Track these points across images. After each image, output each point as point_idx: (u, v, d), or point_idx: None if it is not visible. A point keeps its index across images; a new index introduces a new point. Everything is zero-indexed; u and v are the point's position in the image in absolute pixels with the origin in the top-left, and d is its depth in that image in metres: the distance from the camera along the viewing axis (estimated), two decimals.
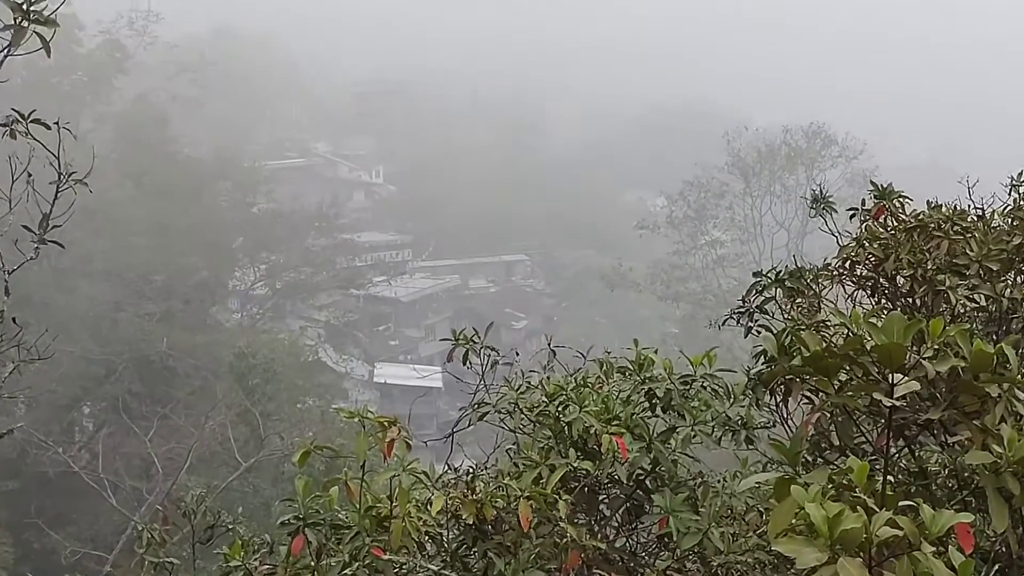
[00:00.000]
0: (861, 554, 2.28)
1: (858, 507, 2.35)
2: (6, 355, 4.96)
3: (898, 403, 2.73)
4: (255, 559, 4.19)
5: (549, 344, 5.14)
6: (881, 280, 4.70)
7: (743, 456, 4.44)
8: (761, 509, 4.22)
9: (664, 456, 4.34)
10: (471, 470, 4.38)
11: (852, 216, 5.28)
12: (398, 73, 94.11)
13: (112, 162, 36.03)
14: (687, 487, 4.37)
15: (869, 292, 4.80)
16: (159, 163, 38.02)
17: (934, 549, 2.33)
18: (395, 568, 3.93)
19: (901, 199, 5.10)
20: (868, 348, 2.87)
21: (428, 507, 4.01)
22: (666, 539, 4.35)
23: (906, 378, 2.74)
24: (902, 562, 2.32)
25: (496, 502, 4.01)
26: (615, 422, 4.30)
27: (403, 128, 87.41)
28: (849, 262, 4.85)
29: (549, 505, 4.03)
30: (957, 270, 4.42)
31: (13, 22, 4.14)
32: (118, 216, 33.21)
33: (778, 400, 3.74)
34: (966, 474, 3.46)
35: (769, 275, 4.93)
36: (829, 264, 5.00)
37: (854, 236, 4.96)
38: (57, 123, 4.43)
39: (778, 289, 4.88)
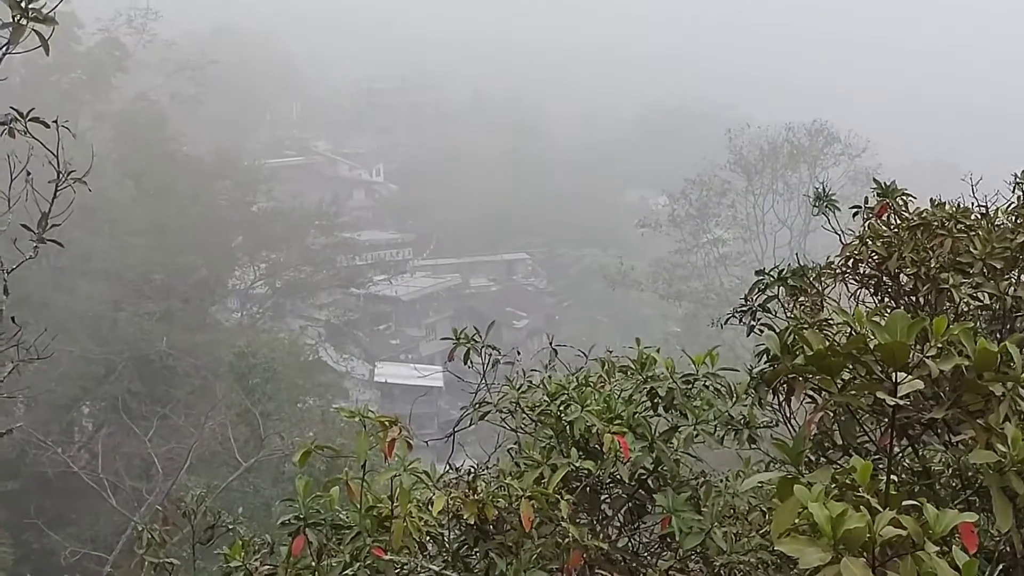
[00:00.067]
0: (864, 554, 2.27)
1: (861, 507, 2.34)
2: (5, 354, 4.95)
3: (901, 402, 2.73)
4: (255, 559, 4.18)
5: (550, 343, 5.13)
6: (884, 278, 4.69)
7: (746, 456, 4.42)
8: (764, 509, 4.21)
9: (666, 456, 4.33)
10: (472, 470, 4.37)
11: (855, 214, 5.26)
12: (398, 72, 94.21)
13: (111, 161, 36.05)
14: (689, 487, 4.35)
15: (872, 290, 4.78)
16: (158, 162, 38.03)
17: (938, 549, 2.33)
18: (396, 568, 3.92)
19: (904, 197, 5.08)
20: (871, 347, 2.86)
21: (429, 507, 4.00)
22: (668, 539, 4.34)
23: (910, 377, 2.74)
24: (906, 562, 2.32)
25: (498, 502, 4.00)
26: (617, 421, 4.29)
27: (404, 126, 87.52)
28: (852, 260, 4.84)
29: (551, 505, 4.02)
30: (961, 268, 4.41)
31: (12, 20, 4.13)
32: (117, 215, 33.22)
33: (781, 399, 3.73)
34: (970, 473, 3.46)
35: (772, 273, 4.92)
36: (832, 262, 4.98)
37: (857, 234, 4.95)
38: (56, 121, 4.42)
39: (781, 287, 4.86)
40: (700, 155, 47.49)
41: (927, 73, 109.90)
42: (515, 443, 4.61)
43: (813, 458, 3.80)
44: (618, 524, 4.62)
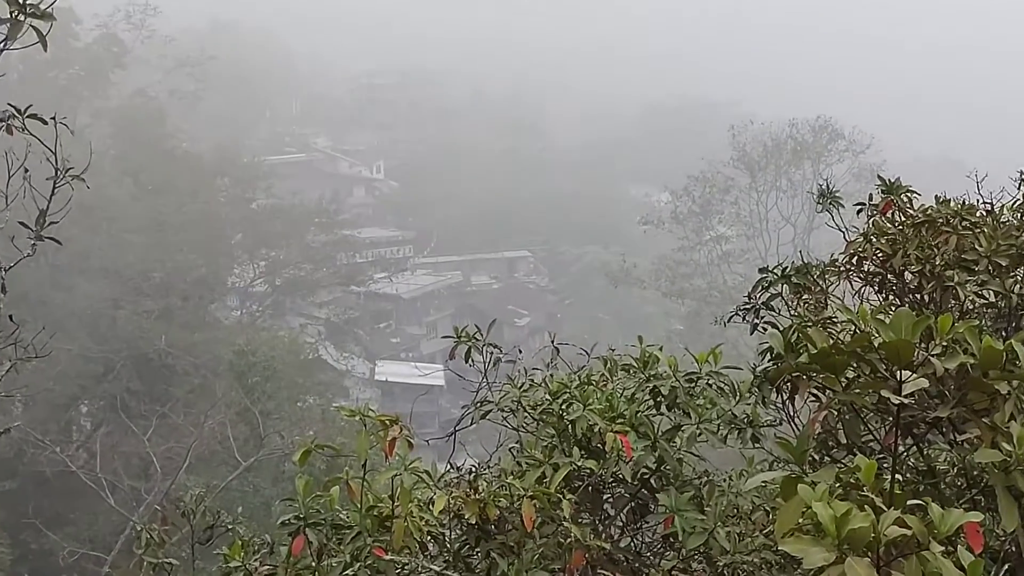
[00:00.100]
0: (869, 554, 2.26)
1: (866, 506, 2.34)
2: (3, 353, 4.93)
3: (906, 401, 2.72)
4: (255, 559, 4.17)
5: (552, 341, 5.12)
6: (889, 276, 4.67)
7: (749, 455, 4.41)
8: (767, 508, 4.20)
9: (669, 455, 4.32)
10: (474, 469, 4.36)
11: (859, 211, 5.24)
12: (398, 69, 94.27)
13: (110, 158, 36.04)
14: (692, 486, 4.35)
15: (876, 288, 4.77)
16: (157, 159, 38.01)
17: (943, 549, 2.32)
18: (397, 568, 3.90)
19: (909, 194, 5.07)
20: (876, 345, 2.85)
21: (430, 507, 4.00)
22: (671, 539, 4.33)
23: (914, 375, 2.73)
24: (910, 562, 2.31)
25: (499, 501, 3.99)
26: (619, 420, 4.28)
27: (404, 123, 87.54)
28: (856, 258, 4.83)
29: (553, 504, 4.01)
30: (966, 266, 4.40)
31: (9, 16, 4.10)
32: (116, 212, 33.20)
33: (784, 398, 3.73)
34: (975, 472, 3.45)
35: (775, 271, 4.91)
36: (836, 260, 4.97)
37: (861, 231, 4.94)
38: (54, 118, 4.39)
39: (784, 285, 4.85)
40: (701, 153, 47.36)
41: (927, 73, 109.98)
42: (517, 442, 4.60)
43: (817, 457, 3.79)
44: (620, 524, 4.61)
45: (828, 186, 5.60)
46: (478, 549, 4.14)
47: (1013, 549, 3.25)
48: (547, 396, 4.57)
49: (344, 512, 4.07)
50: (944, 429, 3.49)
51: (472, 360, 4.89)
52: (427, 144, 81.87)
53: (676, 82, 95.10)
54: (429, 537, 4.07)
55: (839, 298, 4.71)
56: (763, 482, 3.38)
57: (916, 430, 3.55)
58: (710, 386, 4.43)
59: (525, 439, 4.54)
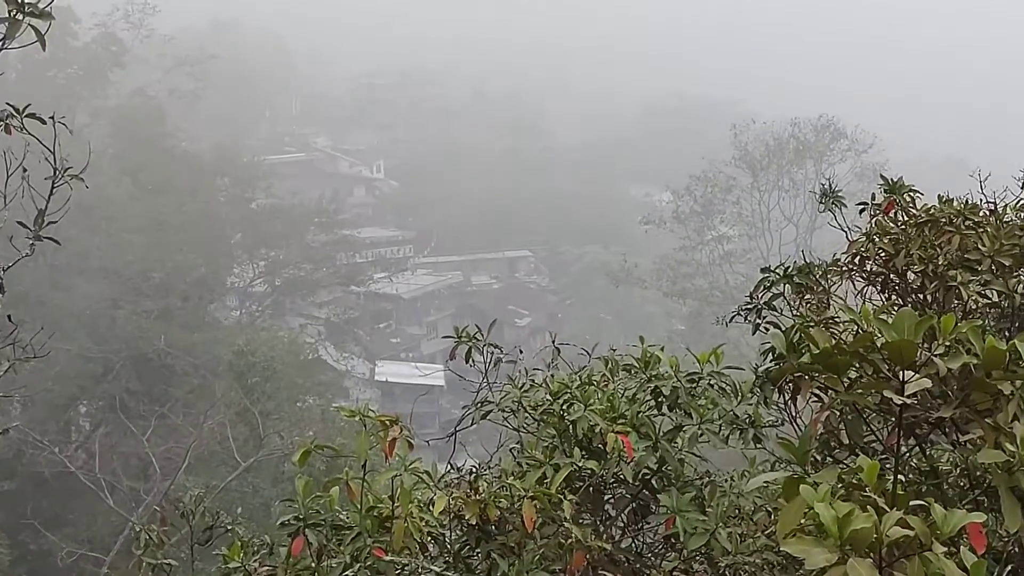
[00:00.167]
0: (871, 554, 2.26)
1: (868, 507, 2.33)
2: (1, 353, 4.92)
3: (909, 401, 2.71)
4: (255, 560, 4.16)
5: (553, 341, 5.11)
6: (891, 276, 4.66)
7: (751, 455, 4.41)
8: (769, 509, 4.19)
9: (670, 455, 4.31)
10: (474, 470, 4.34)
11: (862, 211, 5.23)
12: (398, 68, 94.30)
13: (108, 157, 36.03)
14: (694, 487, 4.34)
15: (879, 288, 4.76)
16: (156, 158, 37.97)
17: (946, 549, 2.31)
18: (397, 569, 3.89)
19: (912, 193, 5.05)
20: (878, 345, 2.84)
21: (430, 507, 3.99)
22: (672, 539, 4.32)
23: (917, 375, 2.72)
24: (913, 563, 2.30)
25: (500, 502, 3.98)
26: (620, 421, 4.27)
27: (404, 123, 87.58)
28: (859, 257, 4.82)
29: (553, 505, 4.00)
30: (969, 265, 4.39)
31: (8, 15, 4.08)
32: (115, 212, 33.18)
33: (787, 398, 3.72)
34: (978, 473, 3.45)
35: (777, 271, 4.90)
36: (838, 259, 4.96)
37: (864, 231, 4.92)
38: (52, 117, 4.38)
39: (786, 285, 4.84)
40: (702, 153, 47.26)
41: (927, 73, 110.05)
42: (517, 442, 4.58)
43: (819, 458, 3.78)
44: (622, 524, 4.60)
45: (830, 185, 5.59)
46: (478, 550, 4.13)
47: (1016, 550, 3.25)
48: (548, 396, 4.56)
49: (344, 513, 4.06)
50: (947, 429, 3.48)
51: (473, 360, 4.88)
52: (427, 144, 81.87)
53: (676, 82, 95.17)
54: (429, 538, 4.06)
55: (841, 298, 4.70)
56: (765, 483, 3.37)
57: (919, 430, 3.54)
58: (712, 386, 4.42)
59: (526, 439, 4.53)
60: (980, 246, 4.41)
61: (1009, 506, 2.75)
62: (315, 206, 48.82)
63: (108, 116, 40.59)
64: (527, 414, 4.59)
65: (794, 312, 4.71)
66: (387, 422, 4.00)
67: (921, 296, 4.58)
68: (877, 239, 4.71)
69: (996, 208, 4.78)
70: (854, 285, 4.88)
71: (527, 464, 4.24)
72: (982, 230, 4.47)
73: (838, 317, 3.66)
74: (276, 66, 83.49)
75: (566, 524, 3.97)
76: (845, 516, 2.25)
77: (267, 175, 47.88)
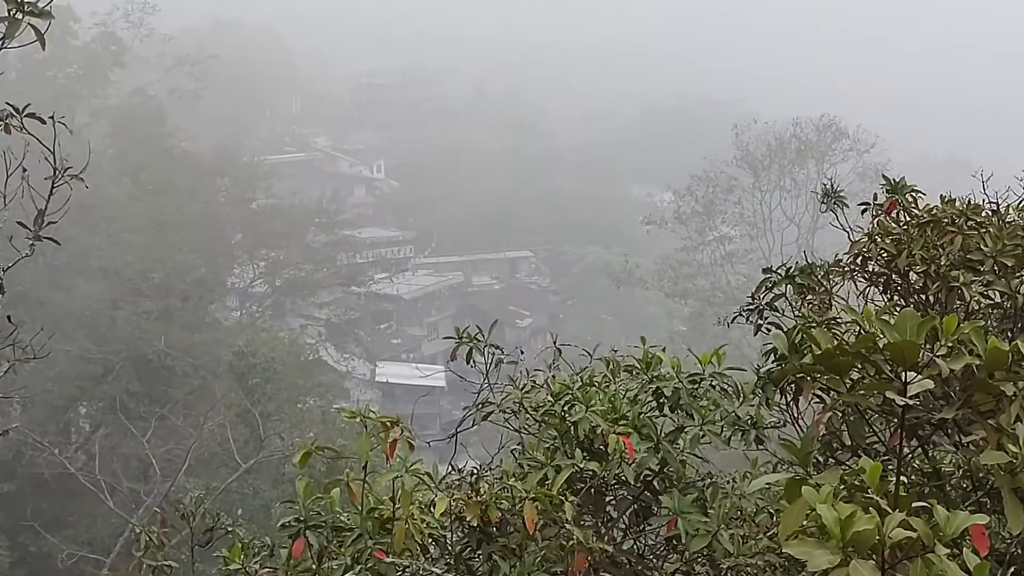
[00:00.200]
0: (874, 556, 2.26)
1: (871, 508, 2.33)
2: (1, 354, 4.91)
3: (911, 402, 2.70)
4: (255, 562, 4.16)
5: (554, 342, 5.11)
6: (893, 276, 4.65)
7: (753, 456, 4.40)
8: (771, 511, 4.18)
9: (672, 456, 4.30)
10: (475, 471, 4.33)
11: (864, 211, 5.22)
12: (398, 68, 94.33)
13: (108, 157, 36.02)
14: (696, 488, 4.33)
15: (881, 288, 4.75)
16: (156, 158, 37.93)
17: (948, 551, 2.31)
18: (398, 571, 3.88)
19: (914, 193, 5.04)
20: (880, 346, 2.84)
21: (431, 509, 3.98)
22: (674, 541, 4.31)
23: (919, 376, 2.72)
24: (916, 564, 2.30)
25: (501, 504, 3.98)
26: (622, 422, 4.27)
27: (404, 122, 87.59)
28: (861, 258, 4.81)
29: (555, 507, 3.99)
30: (971, 266, 4.37)
31: (7, 14, 4.08)
32: (115, 212, 33.15)
33: (789, 399, 3.71)
34: (981, 474, 3.45)
35: (779, 271, 4.89)
36: (840, 260, 4.95)
37: (866, 231, 4.91)
38: (52, 117, 4.37)
39: (788, 286, 4.83)
40: (703, 153, 47.21)
41: (927, 73, 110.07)
42: (518, 444, 4.57)
43: (821, 459, 3.78)
44: (623, 526, 4.59)
45: (832, 186, 5.57)
46: (480, 552, 4.12)
47: (1019, 552, 3.24)
48: (549, 397, 4.56)
49: (345, 514, 4.05)
50: (949, 431, 3.48)
51: (473, 361, 4.87)
52: (427, 144, 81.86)
53: (676, 82, 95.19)
54: (430, 539, 4.06)
55: (843, 299, 4.68)
56: (767, 484, 3.37)
57: (921, 432, 3.53)
58: (713, 387, 4.41)
59: (527, 441, 4.52)
60: (983, 246, 4.40)
61: (1012, 507, 2.75)
62: (315, 206, 48.80)
63: (108, 116, 40.56)
64: (528, 415, 4.58)
65: (796, 313, 4.69)
66: (388, 423, 3.99)
67: (923, 297, 4.57)
68: (879, 239, 4.70)
69: (998, 208, 4.77)
70: (856, 286, 4.86)
71: (528, 465, 4.23)
72: (984, 230, 4.46)
73: (840, 318, 3.65)
74: (276, 66, 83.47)
75: (567, 526, 3.97)
76: (847, 518, 2.24)
77: (267, 175, 47.85)
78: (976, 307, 4.31)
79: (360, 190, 78.85)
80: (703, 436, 4.30)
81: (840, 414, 3.65)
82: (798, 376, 3.29)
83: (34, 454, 22.44)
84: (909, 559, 2.30)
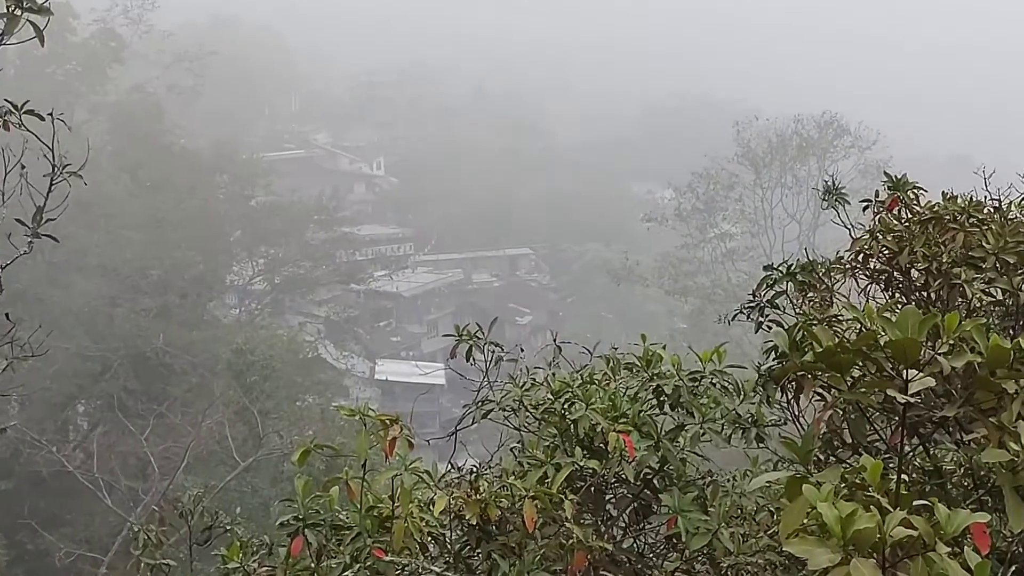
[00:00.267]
0: (875, 555, 2.25)
1: (871, 507, 2.32)
2: None
3: (912, 400, 2.69)
4: (254, 561, 4.15)
5: (554, 340, 5.09)
6: (895, 273, 4.64)
7: (753, 455, 4.39)
8: (772, 509, 4.18)
9: (672, 454, 4.29)
10: (475, 469, 4.33)
11: (865, 208, 5.21)
12: (398, 65, 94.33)
13: (107, 154, 35.99)
14: (696, 486, 4.32)
15: (883, 286, 4.74)
16: (155, 155, 37.88)
17: (949, 550, 2.30)
18: (397, 570, 3.87)
19: (916, 190, 5.03)
20: (882, 343, 2.83)
21: (431, 507, 3.97)
22: (674, 540, 4.31)
23: (921, 374, 2.71)
24: (917, 563, 2.29)
25: (500, 502, 3.97)
26: (622, 420, 4.26)
27: (403, 120, 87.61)
28: (862, 255, 4.79)
29: (554, 505, 3.99)
30: (973, 263, 4.36)
31: (7, 10, 4.06)
32: (113, 209, 33.11)
33: (789, 397, 3.70)
34: (982, 472, 3.44)
35: (780, 269, 4.87)
36: (842, 257, 4.94)
37: (867, 228, 4.90)
38: (51, 114, 4.35)
39: (789, 283, 4.81)
40: (703, 152, 47.19)
41: (927, 73, 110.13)
42: (518, 442, 4.56)
43: (822, 457, 3.77)
44: (623, 524, 4.58)
45: (834, 183, 5.55)
46: (479, 550, 4.12)
47: (1020, 550, 3.24)
48: (549, 395, 4.55)
49: (344, 513, 4.05)
50: (951, 428, 3.47)
51: (473, 359, 4.85)
52: (427, 141, 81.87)
53: (676, 81, 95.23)
54: (429, 538, 4.05)
55: (845, 296, 4.67)
56: (767, 482, 3.36)
57: (922, 429, 3.52)
58: (714, 385, 4.40)
59: (527, 439, 4.51)
60: (984, 243, 4.38)
61: (1013, 506, 2.75)
62: (315, 203, 48.76)
63: (107, 112, 40.50)
64: (528, 413, 4.57)
65: (797, 310, 4.68)
66: (387, 421, 3.98)
67: (925, 294, 4.55)
68: (881, 236, 4.69)
69: (1000, 205, 4.75)
70: (857, 283, 4.85)
71: (528, 463, 4.22)
72: (986, 227, 4.44)
73: (841, 315, 3.64)
74: (276, 63, 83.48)
75: (567, 524, 3.96)
76: (848, 516, 2.24)
77: (266, 172, 47.81)
78: (978, 304, 4.30)
79: (360, 187, 78.82)
80: (703, 434, 4.28)
81: (841, 412, 3.64)
82: (799, 374, 3.28)
83: (32, 452, 22.41)
84: (910, 557, 2.30)
